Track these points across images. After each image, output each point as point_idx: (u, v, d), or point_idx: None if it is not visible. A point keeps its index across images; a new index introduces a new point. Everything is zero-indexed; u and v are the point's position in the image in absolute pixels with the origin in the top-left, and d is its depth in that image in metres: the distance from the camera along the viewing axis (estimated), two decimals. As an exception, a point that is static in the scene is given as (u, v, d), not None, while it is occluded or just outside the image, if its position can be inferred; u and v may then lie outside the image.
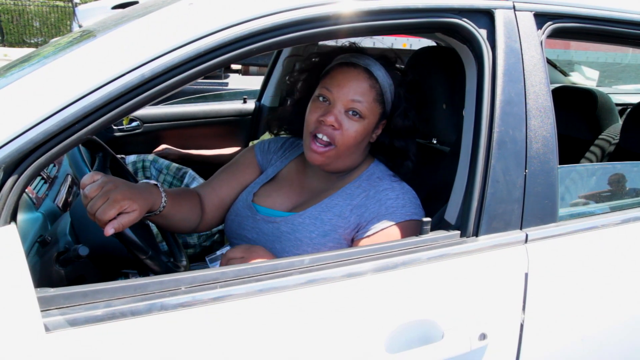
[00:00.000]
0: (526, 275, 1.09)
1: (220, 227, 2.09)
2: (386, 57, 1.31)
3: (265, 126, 2.71)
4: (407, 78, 1.33)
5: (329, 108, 1.23)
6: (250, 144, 1.55)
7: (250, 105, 2.85)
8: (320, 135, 1.22)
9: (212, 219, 1.41)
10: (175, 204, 1.28)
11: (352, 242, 1.23)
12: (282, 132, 1.52)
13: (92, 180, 1.05)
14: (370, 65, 1.25)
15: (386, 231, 1.19)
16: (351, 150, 1.26)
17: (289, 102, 1.51)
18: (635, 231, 1.26)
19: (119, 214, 1.04)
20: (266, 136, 2.05)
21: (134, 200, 1.06)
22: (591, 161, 2.03)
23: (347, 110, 1.23)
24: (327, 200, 1.27)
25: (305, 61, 1.43)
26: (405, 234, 1.19)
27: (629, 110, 1.94)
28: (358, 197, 1.26)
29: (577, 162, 2.06)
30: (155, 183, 1.22)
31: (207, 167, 2.29)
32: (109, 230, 1.02)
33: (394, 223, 1.19)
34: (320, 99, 1.25)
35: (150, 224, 1.54)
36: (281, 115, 1.50)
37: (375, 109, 1.26)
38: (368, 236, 1.20)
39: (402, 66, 1.36)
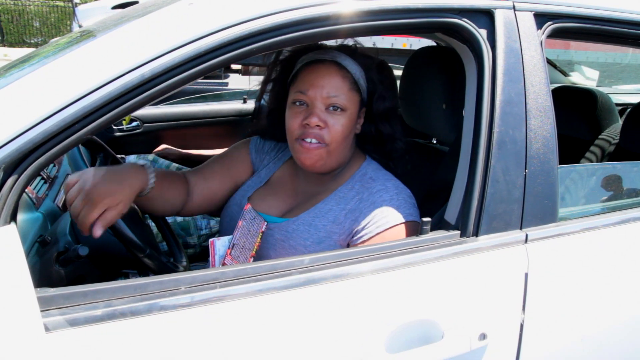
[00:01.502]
0: (526, 275, 1.09)
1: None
2: (347, 47, 1.31)
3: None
4: (374, 61, 1.32)
5: (309, 110, 1.21)
6: (247, 138, 1.52)
7: (250, 105, 2.86)
8: (308, 140, 1.20)
9: (198, 207, 1.39)
10: (163, 187, 1.25)
11: (348, 247, 1.21)
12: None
13: (70, 187, 1.04)
14: (336, 57, 1.25)
15: (382, 235, 1.18)
16: (342, 145, 1.24)
17: (262, 114, 1.50)
18: (635, 231, 1.26)
19: (105, 211, 1.03)
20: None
21: (114, 196, 1.04)
22: (591, 161, 2.03)
23: (328, 107, 1.21)
24: (321, 204, 1.26)
25: (267, 72, 1.42)
26: (401, 236, 1.18)
27: (629, 110, 1.94)
28: (352, 200, 1.24)
29: (577, 162, 2.06)
30: (144, 164, 1.20)
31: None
32: (97, 232, 1.01)
33: (389, 226, 1.18)
34: (297, 103, 1.23)
35: (151, 223, 1.54)
36: (258, 128, 1.49)
37: (353, 98, 1.25)
38: (364, 241, 1.18)
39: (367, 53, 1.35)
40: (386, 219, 1.19)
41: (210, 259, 1.23)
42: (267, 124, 1.43)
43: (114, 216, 1.04)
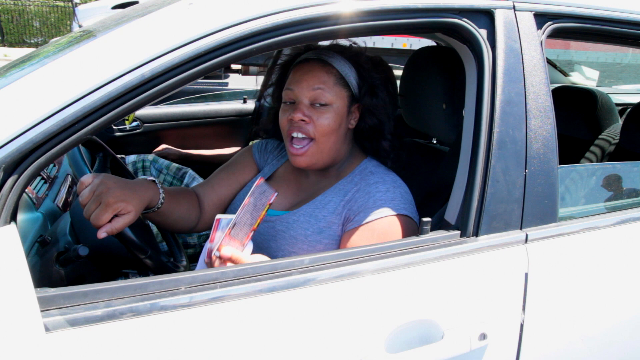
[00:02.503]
0: (526, 275, 1.09)
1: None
2: (338, 45, 1.34)
3: (254, 135, 2.73)
4: (364, 57, 1.34)
5: (294, 106, 1.25)
6: (251, 143, 1.56)
7: (250, 105, 2.86)
8: (295, 134, 1.24)
9: (211, 218, 1.41)
10: (174, 201, 1.28)
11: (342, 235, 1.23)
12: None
13: (85, 186, 1.05)
14: (322, 54, 1.28)
15: (371, 225, 1.17)
16: (331, 139, 1.26)
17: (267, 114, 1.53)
18: (635, 231, 1.26)
19: (114, 216, 1.04)
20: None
21: (128, 201, 1.06)
22: (591, 161, 2.03)
23: (312, 102, 1.24)
24: (321, 197, 1.27)
25: (266, 75, 1.45)
26: (392, 228, 1.17)
27: (629, 110, 1.94)
28: (350, 191, 1.26)
29: (577, 162, 2.06)
30: (154, 179, 1.22)
31: (207, 167, 2.30)
32: (101, 234, 1.03)
33: (380, 217, 1.18)
34: (287, 103, 1.27)
35: (150, 224, 1.54)
36: (264, 127, 1.52)
37: (339, 92, 1.26)
38: (354, 229, 1.19)
39: (360, 50, 1.36)
40: (379, 210, 1.19)
41: (211, 234, 1.20)
42: (271, 124, 1.46)
43: (122, 224, 1.06)
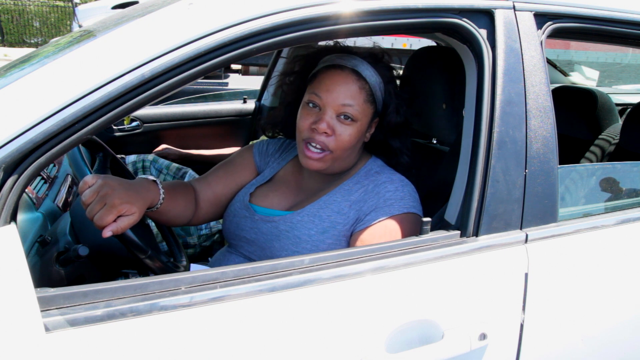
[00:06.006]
0: (526, 275, 1.09)
1: (220, 227, 2.09)
2: (373, 55, 1.29)
3: (260, 130, 2.72)
4: (395, 74, 1.32)
5: (319, 114, 1.21)
6: (251, 143, 1.55)
7: (250, 105, 2.86)
8: (313, 144, 1.21)
9: (206, 214, 1.41)
10: (172, 199, 1.28)
11: (351, 236, 1.23)
12: (278, 135, 1.52)
13: (88, 186, 1.05)
14: (357, 65, 1.23)
15: (384, 223, 1.19)
16: (347, 152, 1.26)
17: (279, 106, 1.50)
18: (635, 231, 1.26)
19: (118, 217, 1.04)
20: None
21: (132, 203, 1.06)
22: (591, 161, 2.03)
23: (339, 115, 1.21)
24: (325, 197, 1.27)
25: (290, 64, 1.41)
26: (403, 226, 1.19)
27: (629, 110, 1.94)
28: (356, 192, 1.26)
29: (577, 162, 2.06)
30: (154, 179, 1.22)
31: (207, 167, 2.28)
32: (107, 233, 1.03)
33: (392, 215, 1.19)
34: (310, 105, 1.23)
35: (151, 223, 1.54)
36: (273, 119, 1.49)
37: (366, 109, 1.24)
38: (366, 228, 1.20)
39: (390, 63, 1.34)
40: (390, 208, 1.20)
41: None
42: (282, 117, 1.44)
43: (127, 225, 1.05)
